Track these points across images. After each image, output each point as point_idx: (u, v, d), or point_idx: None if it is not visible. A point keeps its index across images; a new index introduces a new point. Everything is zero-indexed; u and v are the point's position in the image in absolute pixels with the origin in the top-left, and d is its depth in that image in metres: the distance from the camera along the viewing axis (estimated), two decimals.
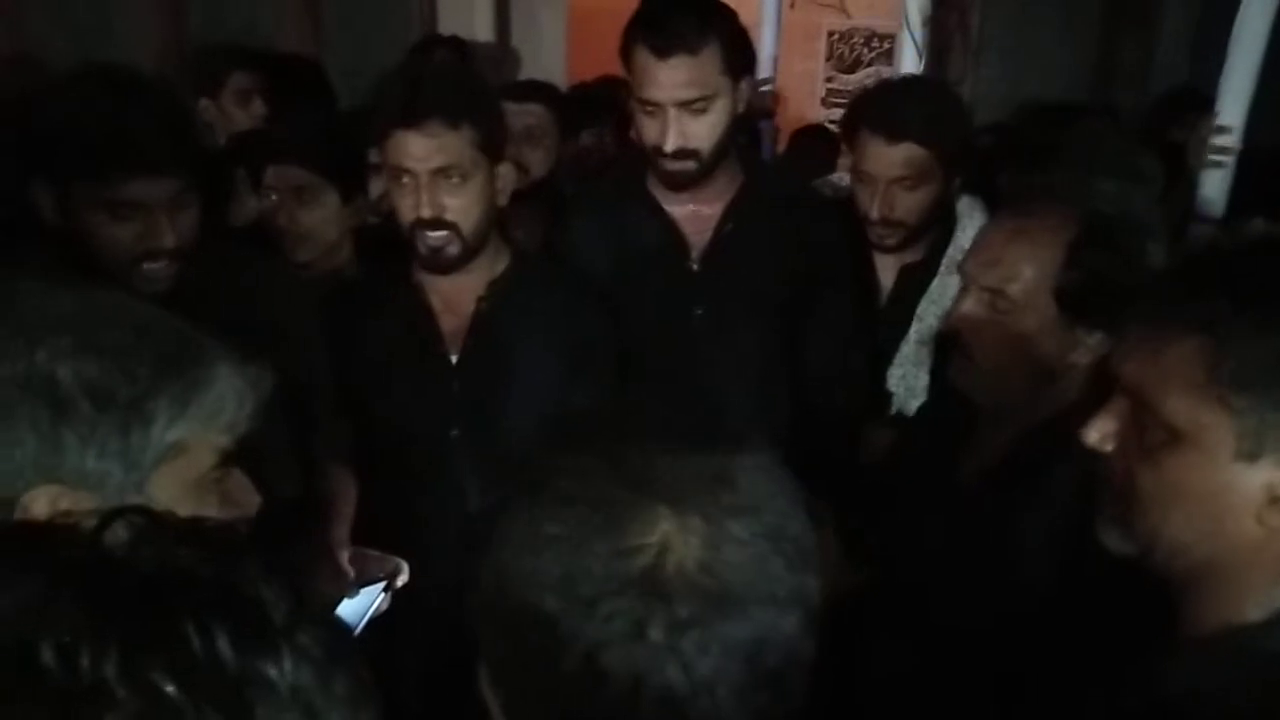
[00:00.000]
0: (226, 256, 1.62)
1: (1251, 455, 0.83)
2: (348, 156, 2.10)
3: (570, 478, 0.67)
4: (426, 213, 1.61)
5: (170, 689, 0.44)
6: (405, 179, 1.61)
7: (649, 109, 1.77)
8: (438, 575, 1.68)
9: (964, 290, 1.36)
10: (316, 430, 1.67)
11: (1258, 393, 0.82)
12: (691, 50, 1.71)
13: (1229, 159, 2.22)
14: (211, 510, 0.92)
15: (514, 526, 0.68)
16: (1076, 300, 1.27)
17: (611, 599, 0.63)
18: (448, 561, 1.71)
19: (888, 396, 2.06)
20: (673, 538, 0.64)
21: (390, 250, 1.80)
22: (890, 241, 1.99)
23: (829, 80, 5.59)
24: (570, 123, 2.84)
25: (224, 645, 0.46)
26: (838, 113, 5.50)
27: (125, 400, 0.86)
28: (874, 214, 1.96)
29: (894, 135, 1.90)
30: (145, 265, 1.41)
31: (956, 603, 1.33)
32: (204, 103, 2.89)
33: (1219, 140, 2.18)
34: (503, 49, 4.28)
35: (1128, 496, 0.91)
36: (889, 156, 1.92)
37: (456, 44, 3.55)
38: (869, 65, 5.51)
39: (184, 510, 0.90)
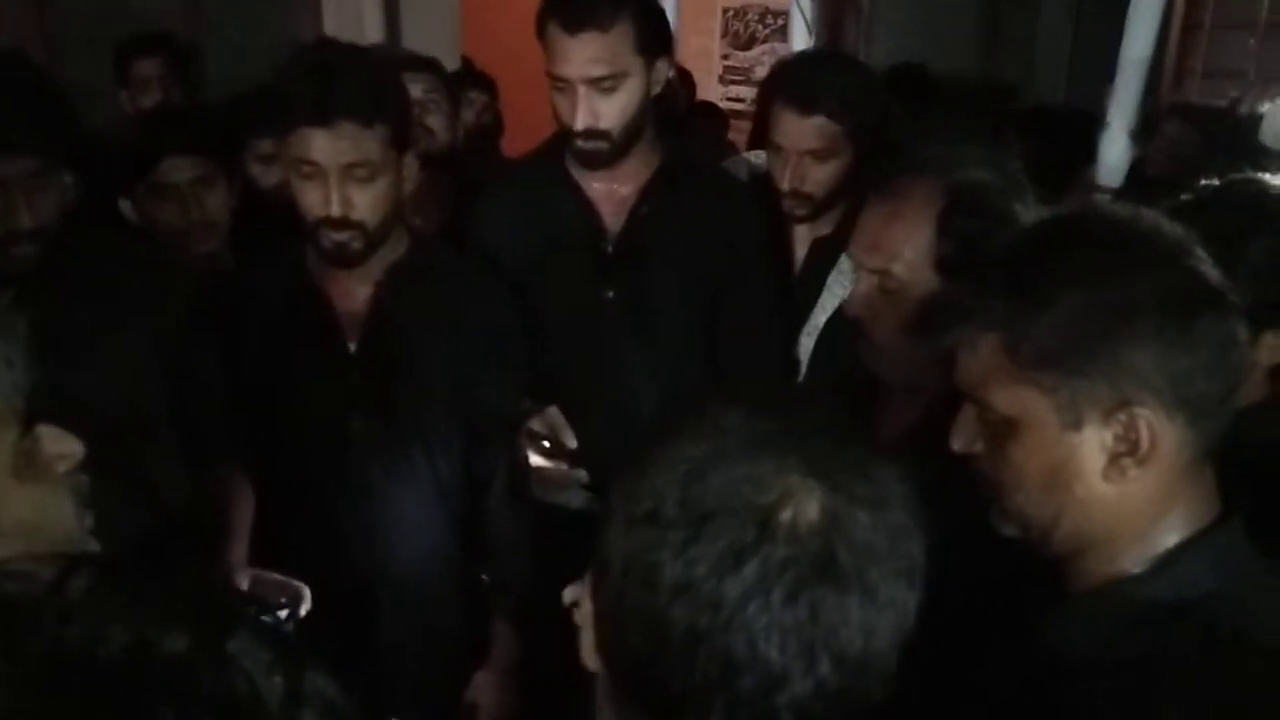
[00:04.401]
0: (104, 244, 1.55)
1: (1075, 424, 0.89)
2: (231, 143, 2.08)
3: (722, 416, 0.71)
4: (335, 211, 1.55)
5: None
6: (311, 174, 1.54)
7: (560, 85, 1.75)
8: (344, 572, 1.64)
9: (856, 276, 1.40)
10: (205, 431, 1.60)
11: (1056, 367, 0.89)
12: (602, 27, 1.69)
13: (1121, 133, 2.29)
14: (43, 481, 0.89)
15: (659, 447, 0.71)
16: (955, 267, 1.30)
17: (725, 518, 0.66)
18: (354, 557, 1.68)
19: (795, 365, 2.08)
20: (798, 492, 0.67)
21: (264, 236, 1.75)
22: (800, 213, 2.02)
23: (725, 57, 5.61)
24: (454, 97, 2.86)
25: None
26: (734, 90, 5.55)
27: None
28: (785, 185, 1.98)
29: (806, 108, 1.92)
30: (3, 246, 1.33)
31: None
32: (123, 94, 2.92)
33: (1113, 113, 2.24)
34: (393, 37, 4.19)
35: (996, 487, 0.97)
36: (801, 129, 1.93)
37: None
38: (764, 41, 5.55)
39: (15, 493, 0.86)
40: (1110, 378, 0.88)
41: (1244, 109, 3.48)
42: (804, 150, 1.94)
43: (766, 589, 0.65)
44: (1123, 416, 0.88)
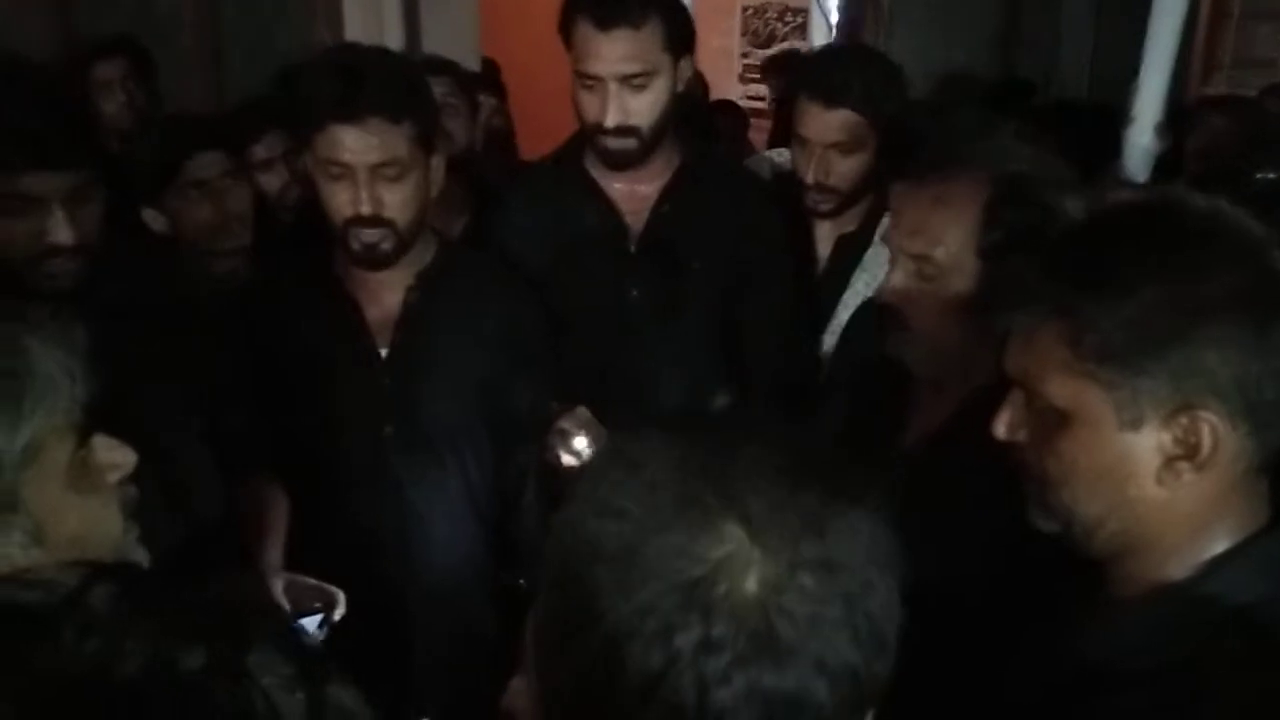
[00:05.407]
0: (139, 256, 1.55)
1: (1134, 423, 0.86)
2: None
3: (662, 462, 0.65)
4: (366, 209, 1.54)
5: None
6: (340, 174, 1.53)
7: (589, 83, 1.74)
8: (378, 578, 1.64)
9: (892, 262, 1.37)
10: (239, 441, 1.60)
11: (1121, 363, 0.85)
12: (634, 24, 1.69)
13: (1146, 127, 2.26)
14: (96, 493, 0.88)
15: (594, 485, 0.66)
16: (1001, 257, 1.28)
17: (654, 592, 0.61)
18: (387, 563, 1.67)
19: (819, 363, 2.07)
20: (735, 563, 0.61)
21: (290, 241, 1.74)
22: (824, 207, 2.01)
23: (745, 56, 5.59)
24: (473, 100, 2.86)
25: None
26: (754, 88, 5.53)
27: None
28: (809, 178, 1.98)
29: (831, 101, 1.92)
30: (45, 263, 1.33)
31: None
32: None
33: (1138, 106, 2.21)
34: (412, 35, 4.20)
35: (1041, 480, 0.94)
36: (826, 121, 1.93)
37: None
38: (783, 40, 5.53)
39: (69, 504, 0.85)
40: (1177, 379, 0.84)
41: (1273, 104, 3.43)
42: (829, 143, 1.94)
43: (700, 669, 0.60)
44: (1184, 420, 0.84)
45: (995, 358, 1.32)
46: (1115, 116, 3.23)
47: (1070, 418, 0.89)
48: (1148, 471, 0.87)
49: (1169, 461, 0.86)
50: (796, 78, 2.04)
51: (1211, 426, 0.84)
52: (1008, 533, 1.19)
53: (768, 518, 0.62)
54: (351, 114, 1.50)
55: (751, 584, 0.61)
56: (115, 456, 0.92)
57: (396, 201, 1.55)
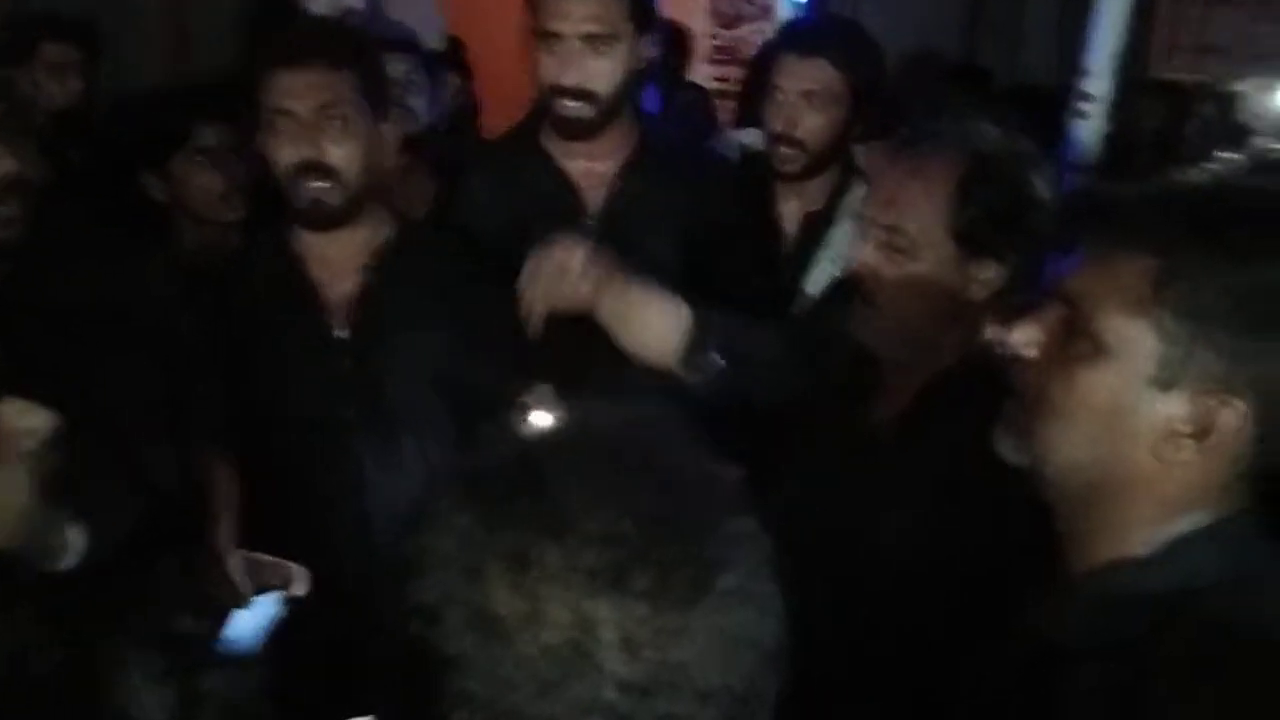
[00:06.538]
0: (78, 237, 1.53)
1: (1165, 384, 0.84)
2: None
3: (457, 521, 0.59)
4: (308, 152, 1.54)
5: None
6: (284, 122, 1.54)
7: (551, 42, 1.72)
8: (338, 565, 1.62)
9: (863, 235, 1.36)
10: (193, 417, 1.58)
11: (1192, 324, 0.83)
12: None
13: (1096, 109, 2.27)
14: (10, 459, 0.84)
15: (436, 520, 0.61)
16: (971, 235, 1.29)
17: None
18: (348, 549, 1.65)
19: None
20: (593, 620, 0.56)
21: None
22: (789, 167, 2.01)
23: (712, 38, 5.56)
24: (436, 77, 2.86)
25: None
26: (723, 70, 5.51)
27: None
28: (777, 127, 1.98)
29: (806, 51, 1.94)
30: None
31: (868, 551, 1.34)
32: (11, 73, 2.70)
33: (1084, 89, 2.22)
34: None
35: (1034, 406, 0.91)
36: (802, 69, 1.95)
37: None
38: (751, 21, 5.50)
39: None
40: (1237, 361, 0.82)
41: (1222, 87, 3.48)
42: (802, 90, 1.95)
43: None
44: (1213, 402, 0.83)
45: (963, 340, 1.34)
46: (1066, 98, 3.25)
47: (1106, 352, 0.86)
48: (1148, 437, 0.85)
49: (1173, 434, 0.84)
50: (776, 39, 2.07)
51: (1237, 416, 0.82)
52: (975, 514, 1.20)
53: (589, 583, 0.56)
54: (292, 58, 1.53)
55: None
56: (28, 421, 0.88)
57: (341, 153, 1.56)
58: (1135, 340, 0.85)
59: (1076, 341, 0.88)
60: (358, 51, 1.60)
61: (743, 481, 0.64)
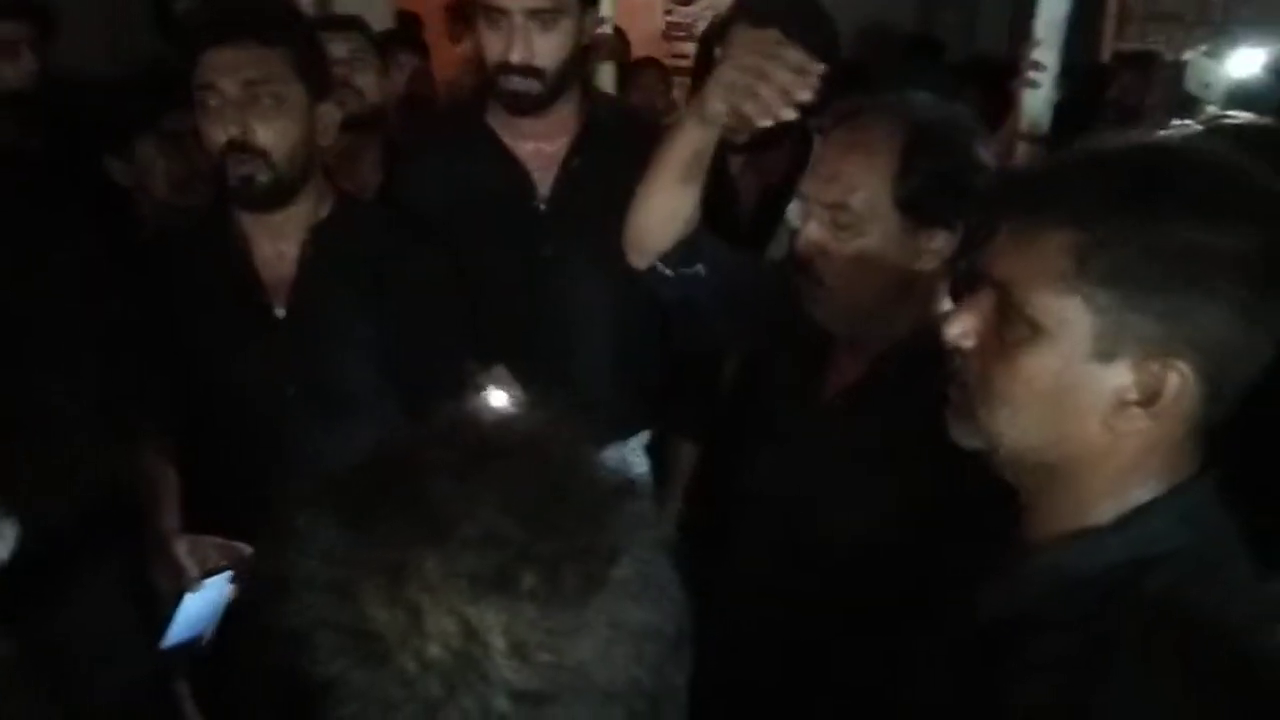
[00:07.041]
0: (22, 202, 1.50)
1: (1106, 356, 0.83)
2: None
3: (320, 532, 0.56)
4: (234, 131, 1.50)
5: None
6: (214, 100, 1.51)
7: (496, 18, 1.69)
8: None
9: (807, 214, 1.35)
10: (130, 397, 1.54)
11: (1121, 292, 0.82)
12: None
13: (1046, 78, 2.27)
14: None
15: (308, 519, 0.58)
16: (917, 204, 1.28)
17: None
18: None
19: None
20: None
21: None
22: (740, 139, 1.99)
23: (668, 14, 5.53)
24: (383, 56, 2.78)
25: None
26: (679, 46, 5.49)
27: None
28: None
29: (759, 20, 1.90)
30: None
31: (824, 523, 1.34)
32: None
33: (1035, 58, 2.21)
34: None
35: (980, 394, 0.90)
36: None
37: None
38: None
39: None
40: (1170, 322, 0.81)
41: (1170, 56, 3.50)
42: None
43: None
44: (1156, 366, 0.82)
45: (916, 311, 1.33)
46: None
47: (1043, 334, 0.85)
48: (1096, 410, 0.85)
49: (1122, 404, 0.84)
50: (727, 12, 2.04)
51: (1182, 377, 0.82)
52: (926, 490, 1.20)
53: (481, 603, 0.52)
54: (220, 35, 1.50)
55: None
56: None
57: (270, 133, 1.52)
58: (1069, 318, 0.84)
59: (1012, 326, 0.87)
60: (290, 27, 1.57)
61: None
